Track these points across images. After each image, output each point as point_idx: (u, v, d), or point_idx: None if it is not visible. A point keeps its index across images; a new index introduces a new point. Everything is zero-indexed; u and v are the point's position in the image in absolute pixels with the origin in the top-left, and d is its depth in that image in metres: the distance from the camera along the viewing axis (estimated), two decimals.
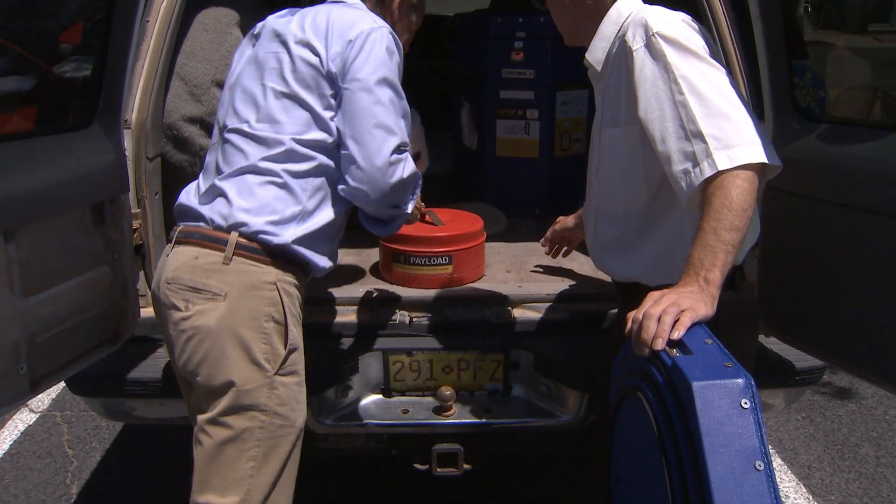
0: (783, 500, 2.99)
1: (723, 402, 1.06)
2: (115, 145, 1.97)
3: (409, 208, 1.88)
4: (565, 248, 2.44)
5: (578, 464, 2.96)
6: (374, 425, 2.17)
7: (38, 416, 3.57)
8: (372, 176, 1.69)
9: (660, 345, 1.19)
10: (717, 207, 1.37)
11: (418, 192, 1.92)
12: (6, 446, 3.33)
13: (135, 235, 2.16)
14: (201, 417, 1.70)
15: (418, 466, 2.24)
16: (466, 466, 2.21)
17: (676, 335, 1.19)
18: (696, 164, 1.42)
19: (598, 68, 1.71)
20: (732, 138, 1.41)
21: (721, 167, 1.39)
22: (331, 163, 1.75)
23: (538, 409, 2.20)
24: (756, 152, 1.41)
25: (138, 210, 2.16)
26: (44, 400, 3.69)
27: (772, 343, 2.26)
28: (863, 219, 1.75)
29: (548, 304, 2.28)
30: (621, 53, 1.59)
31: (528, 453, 2.46)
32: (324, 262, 1.82)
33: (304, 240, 1.74)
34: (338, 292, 2.33)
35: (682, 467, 1.09)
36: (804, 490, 3.06)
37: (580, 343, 2.18)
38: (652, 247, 1.71)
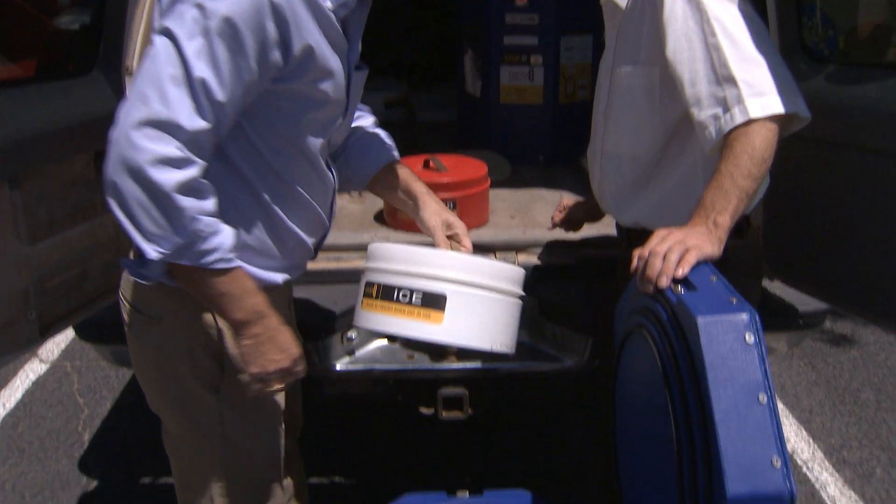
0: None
1: (727, 336, 1.07)
2: (117, 92, 1.95)
3: (168, 247, 1.25)
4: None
5: (582, 408, 3.00)
6: (380, 370, 2.19)
7: (48, 366, 3.62)
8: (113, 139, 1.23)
9: (665, 282, 1.19)
10: (739, 153, 1.36)
11: (203, 243, 1.27)
12: (18, 395, 3.37)
13: None
14: None
15: (424, 411, 2.27)
16: (471, 411, 2.23)
17: (681, 273, 1.20)
18: (726, 109, 1.39)
19: (623, 4, 1.65)
20: (765, 85, 1.38)
21: (753, 115, 1.37)
22: None
23: (542, 353, 2.21)
24: (788, 102, 1.38)
25: None
26: (54, 350, 3.73)
27: (775, 287, 2.27)
28: (871, 161, 1.74)
29: (552, 248, 2.28)
30: None
31: (532, 398, 2.49)
32: None
33: None
34: (342, 239, 2.34)
35: (686, 402, 1.10)
36: (805, 434, 3.10)
37: (585, 288, 2.19)
38: (662, 191, 1.69)
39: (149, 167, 1.19)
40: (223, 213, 1.34)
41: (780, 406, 3.27)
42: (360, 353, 2.24)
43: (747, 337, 1.07)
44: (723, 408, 1.03)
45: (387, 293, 1.47)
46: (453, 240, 1.70)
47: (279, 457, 1.63)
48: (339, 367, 2.20)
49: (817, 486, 2.79)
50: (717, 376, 1.05)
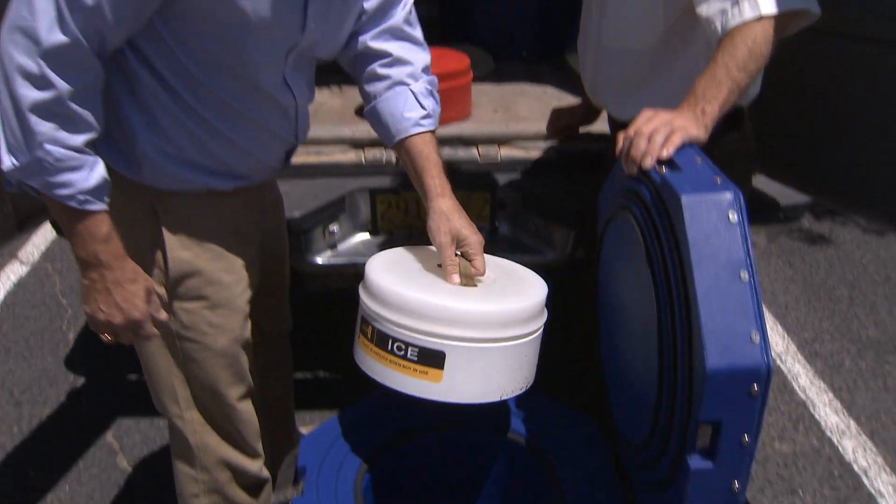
0: None
1: (711, 215, 1.07)
2: None
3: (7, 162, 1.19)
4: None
5: (565, 300, 3.03)
6: (363, 263, 2.19)
7: (29, 268, 3.60)
8: None
9: (649, 162, 1.18)
10: (738, 44, 1.32)
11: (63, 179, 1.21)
12: (0, 297, 3.37)
13: None
14: None
15: None
16: None
17: (666, 153, 1.19)
18: (735, 3, 1.35)
19: None
20: None
21: (765, 12, 1.32)
22: None
23: (525, 246, 2.23)
24: None
25: None
26: (34, 252, 3.71)
27: (756, 182, 2.27)
28: (864, 50, 1.72)
29: (535, 143, 2.26)
30: None
31: None
32: None
33: None
34: (323, 132, 2.30)
35: (668, 281, 1.11)
36: (780, 328, 3.17)
37: (568, 181, 2.18)
38: (663, 87, 1.64)
39: (13, 75, 1.12)
40: (149, 126, 1.31)
41: None
42: (343, 246, 2.24)
43: (730, 216, 1.07)
44: (704, 285, 1.04)
45: (381, 341, 1.31)
46: (464, 257, 1.46)
47: (235, 357, 1.59)
48: (321, 261, 2.20)
49: (789, 377, 2.88)
50: (700, 254, 1.05)
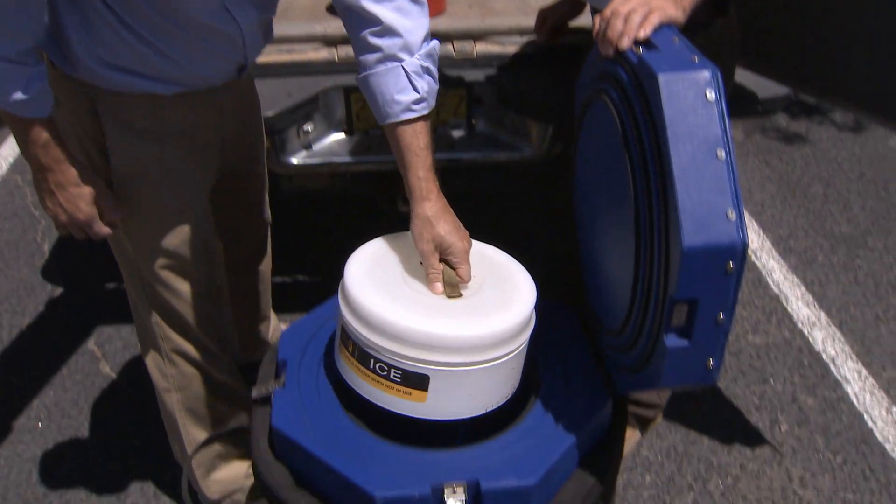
0: None
1: (688, 93, 1.05)
2: None
3: None
4: None
5: (544, 196, 3.04)
6: (338, 163, 2.17)
7: None
8: None
9: (626, 43, 1.16)
10: None
11: None
12: None
13: None
14: None
15: (384, 204, 2.28)
16: None
17: (643, 34, 1.16)
18: None
19: None
20: None
21: None
22: None
23: (502, 142, 2.21)
24: None
25: None
26: (2, 165, 3.63)
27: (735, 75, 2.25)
28: None
29: (512, 38, 2.21)
30: None
31: (492, 187, 2.51)
32: None
33: None
34: (294, 29, 2.23)
35: (644, 161, 1.11)
36: (755, 225, 3.21)
37: (545, 76, 2.14)
38: None
39: None
40: (85, 31, 1.27)
41: None
42: (318, 146, 2.21)
43: (708, 94, 1.06)
44: (681, 163, 1.04)
45: (363, 358, 1.26)
46: (447, 264, 1.37)
47: (181, 256, 1.59)
48: (295, 161, 2.17)
49: (764, 272, 2.93)
50: (677, 132, 1.04)
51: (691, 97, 1.05)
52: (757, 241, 3.10)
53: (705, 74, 1.06)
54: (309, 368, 1.43)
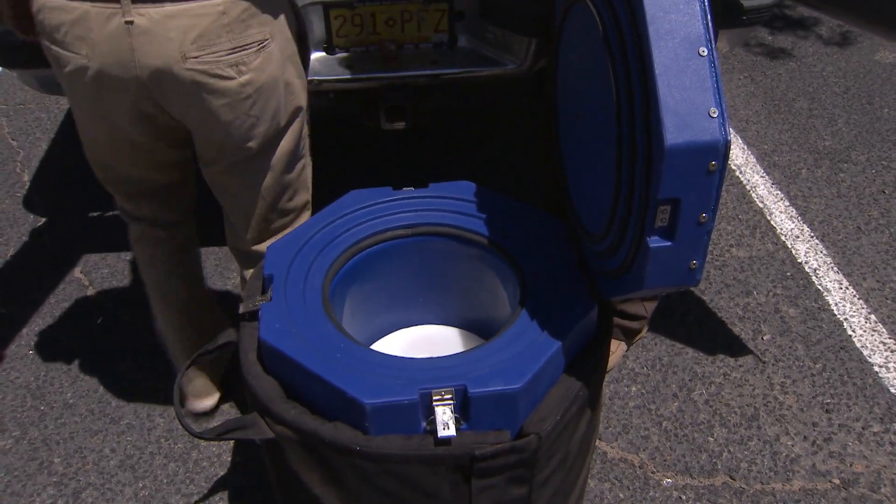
0: None
1: None
2: None
3: None
4: None
5: (527, 110, 3.02)
6: (319, 80, 2.14)
7: None
8: None
9: None
10: None
11: None
12: None
13: None
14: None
15: (367, 122, 2.26)
16: (414, 120, 2.23)
17: None
18: None
19: None
20: None
21: None
22: None
23: (485, 57, 2.18)
24: None
25: None
26: None
27: None
28: None
29: None
30: None
31: (475, 103, 2.49)
32: None
33: None
34: None
35: (626, 60, 1.10)
36: (740, 141, 3.20)
37: None
38: None
39: None
40: None
41: None
42: None
43: None
44: (662, 60, 1.02)
45: None
46: None
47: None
48: None
49: (748, 187, 2.93)
50: (658, 30, 1.03)
51: None
52: (741, 157, 3.10)
53: None
54: (295, 282, 1.44)
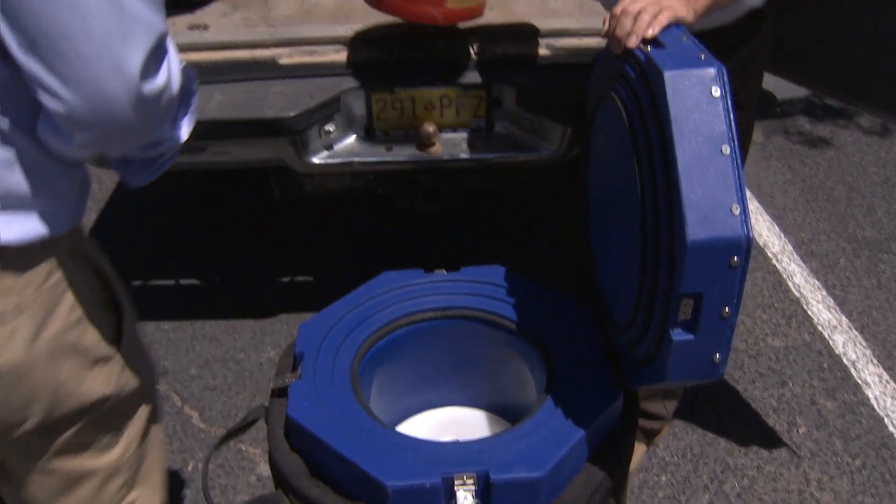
0: (756, 237, 3.13)
1: (693, 90, 1.07)
2: None
3: (184, 133, 1.16)
4: None
5: (561, 196, 3.07)
6: (359, 162, 2.21)
7: None
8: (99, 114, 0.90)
9: (634, 41, 1.18)
10: None
11: (195, 101, 1.18)
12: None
13: None
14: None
15: (402, 202, 2.31)
16: (448, 201, 2.28)
17: (651, 32, 1.18)
18: None
19: None
20: None
21: None
22: None
23: (521, 143, 2.23)
24: None
25: None
26: None
27: None
28: None
29: (531, 39, 2.24)
30: None
31: (510, 188, 2.53)
32: None
33: None
34: (318, 31, 2.28)
35: (651, 156, 1.13)
36: (777, 229, 3.19)
37: (564, 77, 2.17)
38: None
39: None
40: None
41: (756, 204, 3.35)
42: (339, 146, 2.24)
43: (713, 90, 1.07)
44: (685, 158, 1.05)
45: None
46: None
47: None
48: (317, 160, 2.21)
49: (784, 276, 2.91)
50: (682, 128, 1.06)
51: (696, 93, 1.07)
52: (778, 245, 3.09)
53: (710, 71, 1.08)
54: (325, 361, 1.47)
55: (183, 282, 2.91)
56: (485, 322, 1.57)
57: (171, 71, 0.98)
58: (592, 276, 1.57)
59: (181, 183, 3.55)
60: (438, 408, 1.71)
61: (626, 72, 1.21)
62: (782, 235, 3.14)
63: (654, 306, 1.16)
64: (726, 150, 1.06)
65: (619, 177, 1.29)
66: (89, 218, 3.29)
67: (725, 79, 1.08)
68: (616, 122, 1.25)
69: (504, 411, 1.68)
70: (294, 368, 1.49)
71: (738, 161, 1.07)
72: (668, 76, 1.07)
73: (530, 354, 1.51)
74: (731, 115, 1.07)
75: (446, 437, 1.39)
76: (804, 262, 2.98)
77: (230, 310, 2.74)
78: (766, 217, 3.26)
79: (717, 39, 1.52)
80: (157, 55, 0.93)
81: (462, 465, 1.24)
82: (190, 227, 3.23)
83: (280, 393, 1.46)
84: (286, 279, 2.89)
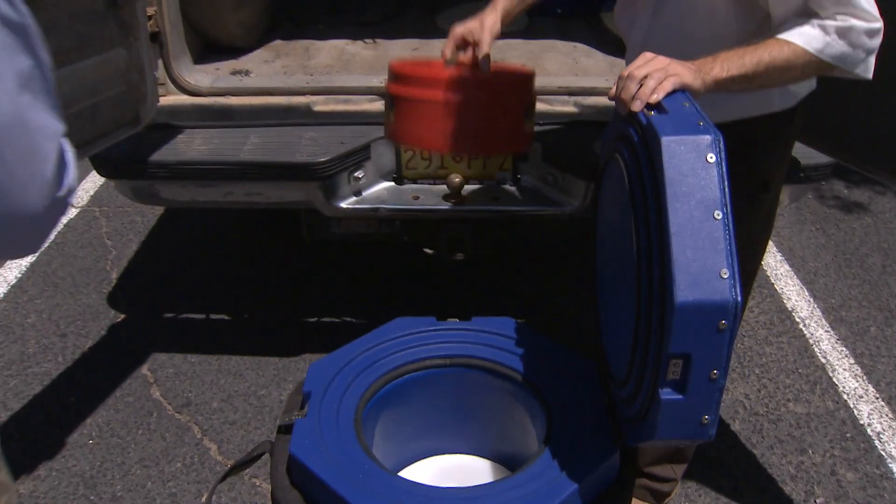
0: (784, 301, 3.10)
1: (689, 155, 1.10)
2: None
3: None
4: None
5: (579, 249, 3.09)
6: (386, 209, 2.27)
7: (78, 210, 3.76)
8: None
9: (637, 106, 1.22)
10: (785, 53, 1.32)
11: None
12: (51, 236, 3.52)
13: (150, 23, 2.19)
14: None
15: (428, 251, 2.36)
16: (473, 251, 2.32)
17: (654, 98, 1.22)
18: (810, 23, 1.34)
19: None
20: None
21: (824, 55, 1.33)
22: None
23: (545, 197, 2.27)
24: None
25: None
26: (83, 196, 3.86)
27: None
28: None
29: (557, 97, 2.29)
30: None
31: (532, 240, 2.57)
32: None
33: None
34: (352, 81, 2.37)
35: (647, 216, 1.16)
36: (806, 293, 3.16)
37: (587, 134, 2.21)
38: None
39: None
40: None
41: (786, 268, 3.33)
42: (367, 192, 2.31)
43: (709, 157, 1.11)
44: (678, 220, 1.08)
45: None
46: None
47: None
48: (345, 205, 2.28)
49: (811, 341, 2.88)
50: (676, 191, 1.09)
51: (692, 159, 1.11)
52: (807, 310, 3.05)
53: (707, 138, 1.11)
54: (331, 401, 1.51)
55: (213, 316, 2.99)
56: (490, 372, 1.60)
57: (71, 166, 0.95)
58: (597, 330, 1.59)
59: (216, 223, 3.66)
60: (442, 454, 1.74)
61: (630, 134, 1.25)
62: (812, 300, 3.11)
63: (647, 364, 1.18)
64: (718, 214, 1.09)
65: (620, 235, 1.32)
66: (128, 251, 3.41)
67: (721, 146, 1.12)
68: (619, 181, 1.28)
69: (506, 460, 1.70)
70: (301, 406, 1.54)
71: (731, 226, 1.10)
72: (665, 141, 1.11)
73: (533, 406, 1.54)
74: (726, 182, 1.10)
75: (448, 484, 1.41)
76: (833, 328, 2.95)
77: (256, 347, 2.81)
78: (797, 281, 3.24)
79: (762, 125, 1.55)
80: (62, 157, 0.92)
81: None
82: (223, 266, 3.32)
83: (286, 429, 1.50)
84: (312, 319, 2.95)
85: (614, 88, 1.30)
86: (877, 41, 1.35)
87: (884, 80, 1.82)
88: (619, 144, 1.31)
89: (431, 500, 1.30)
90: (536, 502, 1.28)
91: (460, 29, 1.69)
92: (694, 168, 1.10)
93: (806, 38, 1.32)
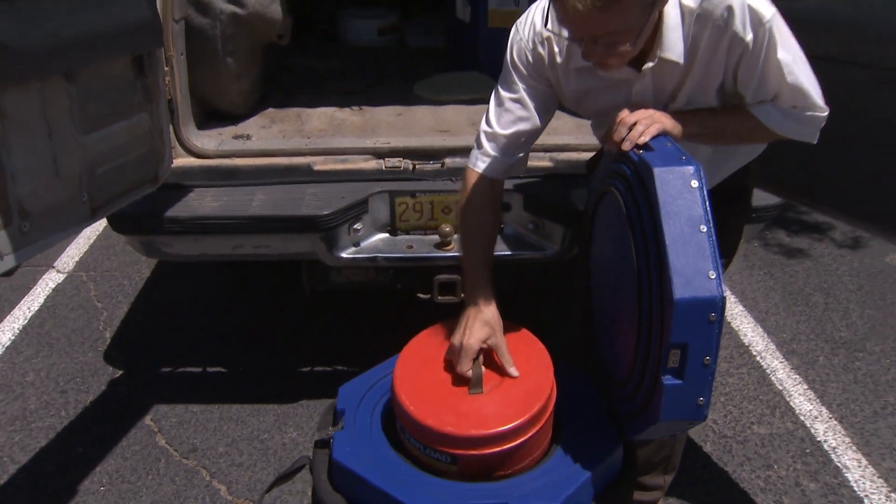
0: (741, 337, 3.38)
1: (677, 182, 1.35)
2: (150, 3, 2.18)
3: None
4: None
5: (560, 290, 3.31)
6: (382, 258, 2.48)
7: (65, 275, 3.87)
8: None
9: (627, 146, 1.47)
10: (751, 124, 1.64)
11: None
12: (41, 300, 3.64)
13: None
14: None
15: (421, 295, 2.56)
16: (463, 295, 2.53)
17: (643, 140, 1.48)
18: (775, 109, 1.63)
19: (681, 61, 1.58)
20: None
21: (780, 132, 1.66)
22: None
23: (527, 243, 2.51)
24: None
25: (167, 68, 2.40)
26: (69, 262, 3.98)
27: None
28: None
29: (534, 153, 2.55)
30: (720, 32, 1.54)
31: (518, 283, 2.78)
32: None
33: None
34: (348, 143, 2.61)
35: (644, 234, 1.40)
36: (760, 330, 3.45)
37: (563, 185, 2.48)
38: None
39: None
40: None
41: (740, 308, 3.61)
42: (365, 243, 2.52)
43: (692, 183, 1.36)
44: (671, 234, 1.32)
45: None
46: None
47: None
48: (345, 255, 2.48)
49: (768, 371, 3.15)
50: (668, 211, 1.34)
51: (679, 185, 1.36)
52: (762, 345, 3.33)
53: (690, 168, 1.37)
54: (364, 416, 1.69)
55: (209, 369, 3.12)
56: None
57: None
58: (594, 345, 1.81)
59: (202, 281, 3.81)
60: None
61: (622, 170, 1.50)
62: (765, 336, 3.39)
63: (650, 357, 1.41)
64: (703, 228, 1.34)
65: (618, 254, 1.56)
66: (119, 311, 3.53)
67: (702, 174, 1.37)
68: (615, 210, 1.53)
69: None
70: (335, 423, 1.71)
71: (714, 237, 1.34)
72: (657, 171, 1.36)
73: None
74: (707, 202, 1.35)
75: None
76: (786, 359, 3.22)
77: (254, 395, 2.95)
78: (750, 319, 3.52)
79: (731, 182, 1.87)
80: None
81: (486, 497, 1.46)
82: (213, 320, 3.47)
83: (322, 444, 1.67)
84: (306, 368, 3.11)
85: (606, 132, 1.56)
86: (823, 121, 1.67)
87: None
88: (612, 180, 1.56)
89: (467, 491, 1.48)
90: (556, 488, 1.48)
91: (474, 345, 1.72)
92: (681, 192, 1.35)
93: (766, 116, 1.64)
